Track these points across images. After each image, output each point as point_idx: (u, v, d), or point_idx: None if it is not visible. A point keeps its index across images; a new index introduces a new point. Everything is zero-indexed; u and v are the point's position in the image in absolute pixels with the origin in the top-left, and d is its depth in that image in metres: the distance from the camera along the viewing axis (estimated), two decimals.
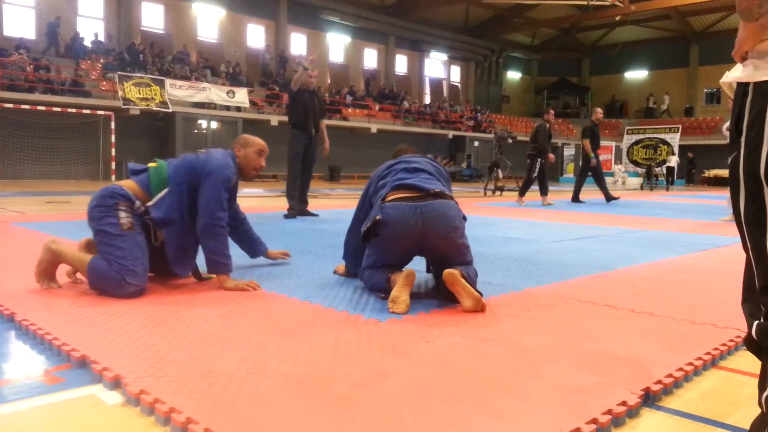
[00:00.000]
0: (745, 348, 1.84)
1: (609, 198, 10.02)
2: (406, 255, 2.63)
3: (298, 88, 6.10)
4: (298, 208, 6.18)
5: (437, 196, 2.55)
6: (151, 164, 2.80)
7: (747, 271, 1.11)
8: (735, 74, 1.10)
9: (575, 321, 2.21)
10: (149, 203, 2.63)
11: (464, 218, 2.64)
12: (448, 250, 2.51)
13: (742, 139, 1.04)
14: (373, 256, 2.61)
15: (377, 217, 2.50)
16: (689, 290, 2.83)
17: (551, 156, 9.55)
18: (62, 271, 2.63)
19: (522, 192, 9.67)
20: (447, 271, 2.34)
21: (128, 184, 2.68)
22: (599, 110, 10.14)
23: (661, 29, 30.53)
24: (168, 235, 2.63)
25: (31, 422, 1.33)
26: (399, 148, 3.17)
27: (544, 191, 9.63)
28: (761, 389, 1.08)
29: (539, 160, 9.46)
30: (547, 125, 9.64)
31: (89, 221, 2.57)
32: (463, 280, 2.32)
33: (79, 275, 2.64)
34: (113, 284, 2.40)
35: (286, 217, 6.06)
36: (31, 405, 1.42)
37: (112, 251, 2.44)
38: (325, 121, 6.57)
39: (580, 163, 10.12)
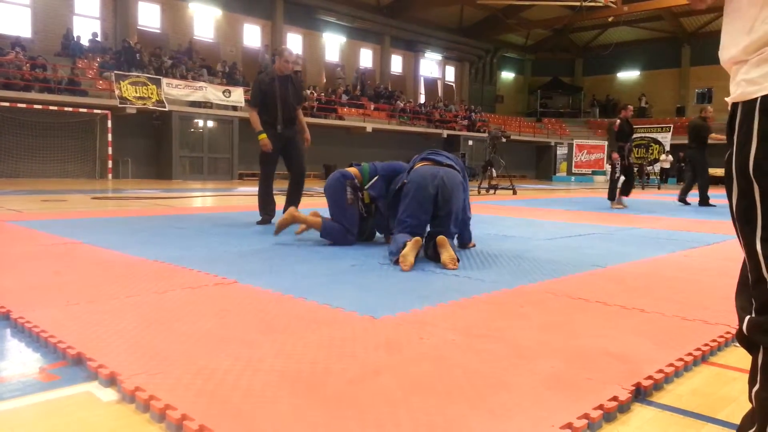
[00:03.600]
0: (736, 344, 1.86)
1: (682, 200, 9.77)
2: (427, 207, 3.51)
3: (264, 75, 5.35)
4: (265, 216, 5.36)
5: (450, 167, 3.66)
6: (363, 164, 4.21)
7: (744, 264, 1.12)
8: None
9: (567, 318, 2.23)
10: (367, 186, 4.05)
11: (466, 190, 3.71)
12: (449, 211, 3.50)
13: (734, 137, 1.05)
14: (403, 215, 3.56)
15: (404, 181, 3.64)
16: (679, 287, 2.85)
17: (614, 155, 9.00)
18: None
19: (610, 195, 9.12)
20: (440, 237, 3.32)
21: (352, 170, 4.11)
22: (710, 108, 9.86)
23: (653, 30, 30.63)
24: (380, 204, 4.06)
25: (27, 420, 1.34)
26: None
27: (611, 194, 9.06)
28: (751, 384, 1.09)
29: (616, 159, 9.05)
30: (617, 122, 9.09)
31: (327, 190, 4.09)
32: (448, 245, 3.28)
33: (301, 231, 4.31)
34: (341, 236, 3.97)
35: (258, 223, 5.30)
36: (27, 402, 1.42)
37: (341, 217, 3.98)
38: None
39: (683, 163, 9.67)
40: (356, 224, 4.03)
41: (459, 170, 3.72)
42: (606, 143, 26.82)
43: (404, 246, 3.23)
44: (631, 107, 9.58)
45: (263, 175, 5.49)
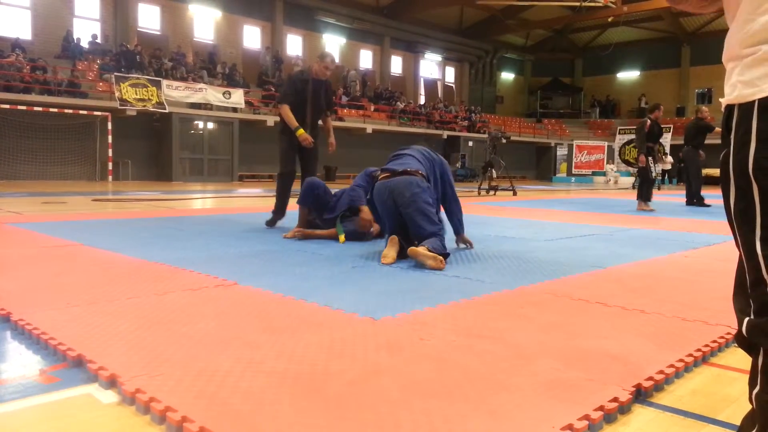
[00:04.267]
0: (735, 345, 1.86)
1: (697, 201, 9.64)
2: (393, 218, 3.67)
3: (299, 74, 5.24)
4: (275, 217, 5.34)
5: (404, 173, 3.63)
6: None
7: (739, 266, 1.11)
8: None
9: (567, 318, 2.23)
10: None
11: (426, 188, 3.62)
12: (414, 215, 3.53)
13: (731, 136, 1.04)
14: (383, 224, 3.93)
15: (367, 197, 3.94)
16: (680, 288, 2.85)
17: (641, 158, 8.60)
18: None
19: (646, 195, 8.66)
20: (410, 249, 3.34)
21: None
22: (705, 108, 9.86)
23: (653, 30, 30.63)
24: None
25: (27, 422, 1.34)
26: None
27: (647, 195, 8.63)
28: (752, 386, 1.08)
29: (650, 159, 8.65)
30: (648, 122, 8.64)
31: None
32: (424, 251, 3.27)
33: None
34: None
35: (267, 224, 5.29)
36: (27, 405, 1.42)
37: None
38: (321, 122, 5.63)
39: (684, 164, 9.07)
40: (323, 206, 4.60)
41: (421, 165, 3.74)
42: (606, 143, 26.91)
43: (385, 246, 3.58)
44: (662, 107, 9.22)
45: (285, 175, 5.36)
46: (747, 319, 1.06)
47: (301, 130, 5.06)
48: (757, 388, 1.06)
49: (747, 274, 1.06)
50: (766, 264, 0.99)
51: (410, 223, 3.57)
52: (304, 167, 5.38)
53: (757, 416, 1.07)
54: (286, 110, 5.11)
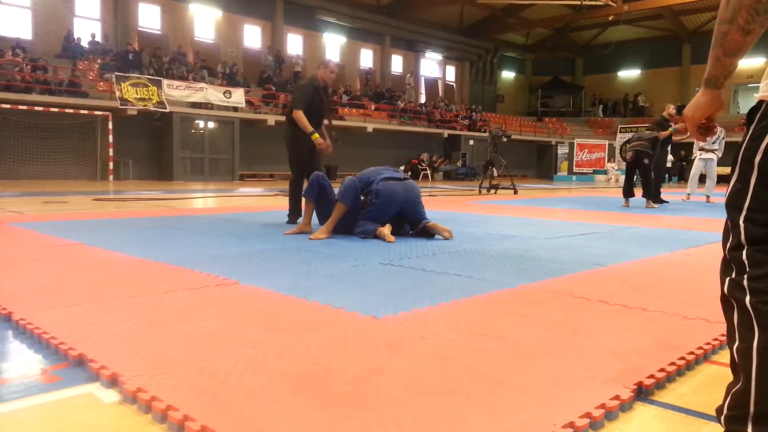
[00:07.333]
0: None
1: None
2: (394, 212, 4.55)
3: (312, 82, 5.45)
4: (294, 216, 5.48)
5: (408, 179, 4.76)
6: None
7: (724, 239, 1.23)
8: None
9: (569, 316, 2.22)
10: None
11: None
12: (415, 209, 4.62)
13: (752, 126, 1.15)
14: (373, 212, 4.50)
15: (376, 188, 4.48)
16: (681, 286, 2.85)
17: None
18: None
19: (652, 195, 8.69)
20: (431, 223, 4.53)
21: None
22: (671, 106, 10.10)
23: (653, 28, 30.61)
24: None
25: (29, 421, 1.34)
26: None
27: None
28: (731, 342, 1.17)
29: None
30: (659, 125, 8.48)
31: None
32: (439, 225, 4.53)
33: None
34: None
35: (288, 224, 5.38)
36: (29, 404, 1.42)
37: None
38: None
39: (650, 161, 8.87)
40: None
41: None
42: (607, 142, 26.90)
43: (374, 231, 4.36)
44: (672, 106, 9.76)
45: (299, 177, 5.48)
46: (728, 278, 1.19)
47: (317, 135, 5.23)
48: (736, 342, 1.15)
49: (729, 243, 1.20)
50: (745, 233, 1.14)
51: (413, 211, 4.61)
52: (309, 170, 5.38)
53: (739, 367, 1.15)
54: (301, 115, 5.23)
